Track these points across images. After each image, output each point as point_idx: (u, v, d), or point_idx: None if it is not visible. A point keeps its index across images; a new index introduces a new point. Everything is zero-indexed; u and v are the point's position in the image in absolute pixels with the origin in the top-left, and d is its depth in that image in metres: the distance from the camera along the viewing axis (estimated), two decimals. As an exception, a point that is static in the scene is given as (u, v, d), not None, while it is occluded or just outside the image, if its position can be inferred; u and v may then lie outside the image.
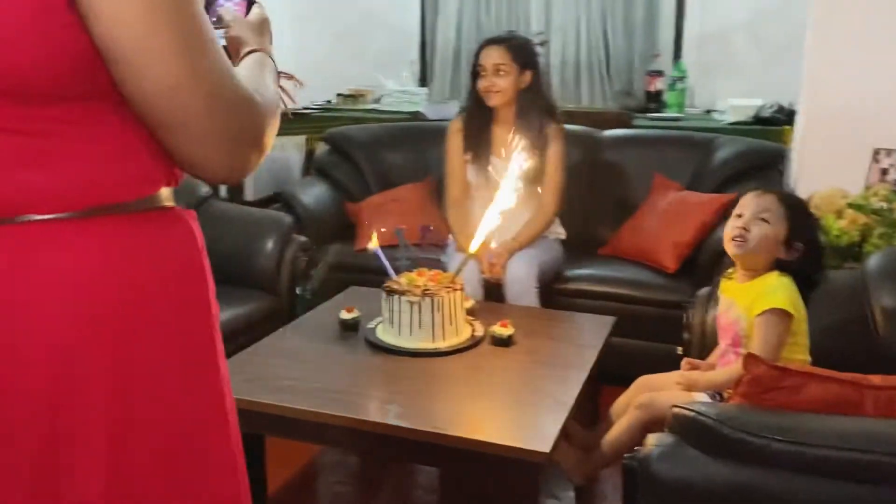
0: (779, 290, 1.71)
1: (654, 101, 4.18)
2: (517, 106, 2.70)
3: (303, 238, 2.66)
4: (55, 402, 0.76)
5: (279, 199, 3.16)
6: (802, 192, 2.76)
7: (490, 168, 2.61)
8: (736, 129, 3.57)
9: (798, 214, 1.77)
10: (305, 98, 4.73)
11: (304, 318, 2.29)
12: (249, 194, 4.88)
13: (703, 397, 1.68)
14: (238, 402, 1.76)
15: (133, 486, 0.80)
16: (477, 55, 2.69)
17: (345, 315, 2.15)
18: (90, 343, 0.76)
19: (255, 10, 1.08)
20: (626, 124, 3.70)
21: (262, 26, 1.06)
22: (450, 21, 4.95)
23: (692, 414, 1.29)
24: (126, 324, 0.78)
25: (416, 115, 4.04)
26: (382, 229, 2.33)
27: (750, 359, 1.38)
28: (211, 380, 0.87)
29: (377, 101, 4.50)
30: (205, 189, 2.69)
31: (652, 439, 1.36)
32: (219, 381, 0.89)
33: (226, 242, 2.56)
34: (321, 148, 3.62)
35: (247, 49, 1.01)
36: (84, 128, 0.75)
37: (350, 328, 2.13)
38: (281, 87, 1.07)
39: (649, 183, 3.04)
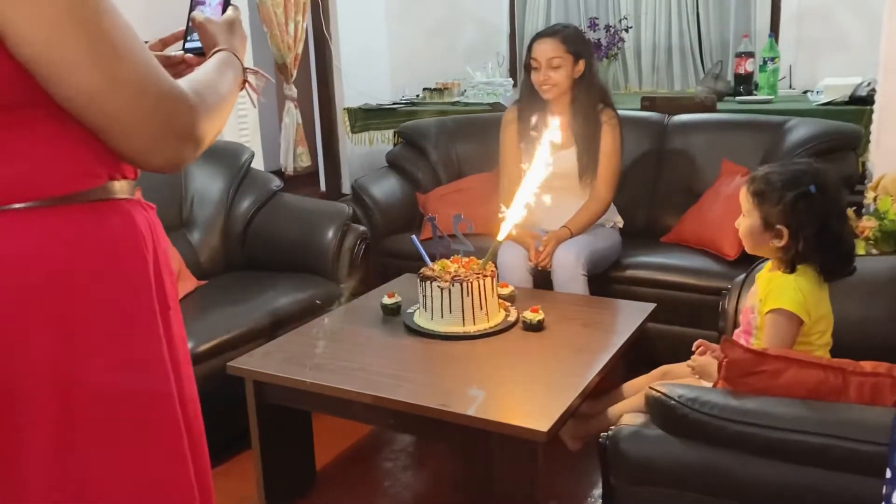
0: (789, 291, 1.63)
1: (744, 83, 4.02)
2: (571, 95, 2.72)
3: (361, 227, 2.81)
4: None
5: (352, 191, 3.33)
6: (880, 174, 2.62)
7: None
8: (827, 110, 3.39)
9: (765, 199, 1.66)
10: (396, 93, 4.92)
11: (352, 304, 2.44)
12: (346, 187, 5.14)
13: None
14: (273, 378, 1.97)
15: (78, 464, 0.91)
16: (529, 49, 2.72)
17: (386, 300, 2.27)
18: (25, 327, 0.86)
19: (228, 11, 1.17)
20: (710, 109, 3.60)
21: (232, 26, 1.15)
22: (538, 11, 4.98)
23: (658, 395, 1.32)
24: (58, 306, 0.88)
25: (495, 106, 4.10)
26: (427, 217, 2.42)
27: (727, 343, 1.38)
28: (153, 357, 0.98)
29: (462, 93, 4.60)
30: (275, 183, 2.90)
31: (626, 419, 1.40)
32: (162, 360, 0.98)
33: (290, 232, 2.77)
34: (398, 141, 3.77)
35: (215, 49, 1.11)
36: (23, 131, 0.87)
37: (391, 313, 2.26)
38: (248, 82, 1.18)
39: (718, 169, 2.97)
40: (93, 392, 0.92)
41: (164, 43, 1.22)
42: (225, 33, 1.14)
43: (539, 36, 2.73)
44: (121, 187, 0.98)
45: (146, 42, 0.97)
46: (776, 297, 1.65)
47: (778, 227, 1.65)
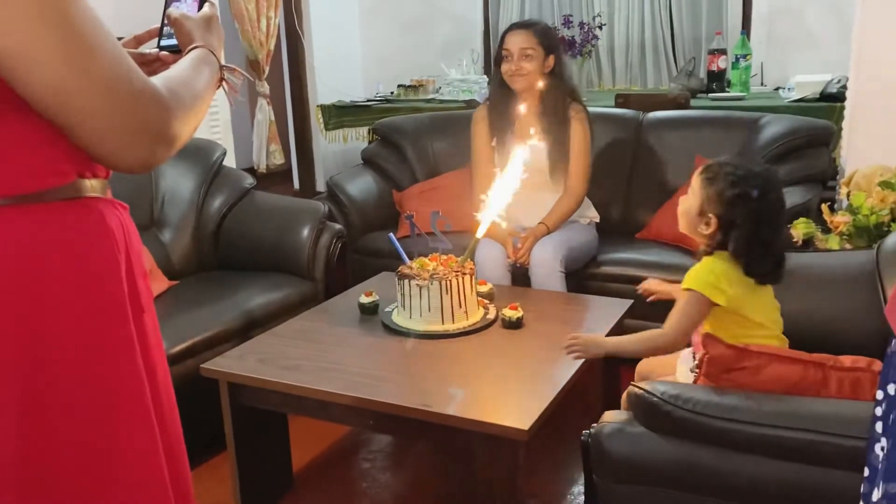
0: (700, 272, 1.65)
1: (717, 80, 4.05)
2: (542, 91, 2.71)
3: (338, 226, 2.78)
4: None
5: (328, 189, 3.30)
6: (851, 170, 2.65)
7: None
8: (798, 106, 3.43)
9: (710, 185, 1.67)
10: (370, 90, 4.88)
11: (328, 303, 2.41)
12: (321, 185, 5.09)
13: (685, 378, 1.67)
14: (248, 380, 1.93)
15: (43, 464, 0.88)
16: (502, 40, 2.72)
17: (364, 299, 2.25)
18: None
19: (205, 7, 1.14)
20: (684, 106, 3.62)
21: (209, 23, 1.12)
22: (513, 8, 4.97)
23: (641, 392, 1.31)
24: (22, 309, 0.85)
25: (470, 103, 4.09)
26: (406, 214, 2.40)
27: (708, 339, 1.38)
28: (125, 362, 0.94)
29: (437, 90, 4.57)
30: (248, 181, 2.85)
31: (608, 416, 1.39)
32: (135, 364, 0.96)
33: (264, 231, 2.73)
34: (373, 138, 3.74)
35: (191, 46, 1.08)
36: None
37: (368, 312, 2.23)
38: (225, 80, 1.14)
39: (691, 165, 2.97)
40: (60, 395, 0.89)
41: (139, 40, 1.18)
42: (201, 30, 1.11)
43: (513, 27, 2.73)
44: (92, 186, 0.95)
45: (119, 39, 0.94)
46: (687, 279, 1.67)
47: (710, 215, 1.67)
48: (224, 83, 1.14)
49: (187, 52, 1.07)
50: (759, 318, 1.64)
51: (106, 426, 0.93)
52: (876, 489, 0.95)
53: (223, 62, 1.12)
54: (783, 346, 1.64)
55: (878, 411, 1.00)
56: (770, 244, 1.64)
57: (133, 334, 0.96)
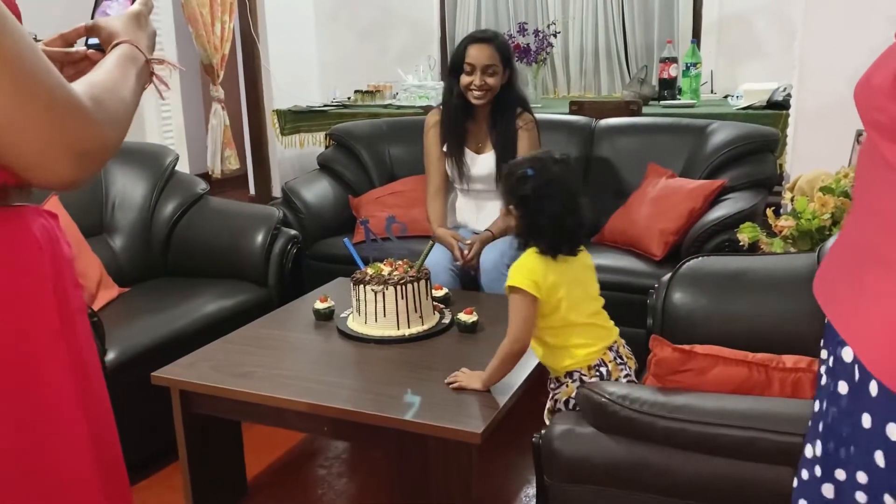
0: (515, 268, 1.72)
1: (669, 87, 4.14)
2: (494, 101, 2.74)
3: (292, 231, 2.76)
4: None
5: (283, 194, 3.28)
6: (796, 175, 2.73)
7: (465, 161, 2.69)
8: (746, 114, 3.52)
9: (505, 183, 1.77)
10: (326, 95, 4.87)
11: (282, 309, 2.39)
12: (277, 190, 5.06)
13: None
14: (200, 388, 1.90)
15: None
16: (464, 52, 2.72)
17: (319, 305, 2.24)
18: None
19: (134, 4, 1.09)
20: (636, 113, 3.68)
21: (137, 17, 1.06)
22: (469, 14, 5.01)
23: (589, 393, 1.33)
24: None
25: (427, 109, 4.10)
26: (360, 220, 2.41)
27: (655, 341, 1.40)
28: (53, 374, 0.92)
29: (394, 96, 4.58)
30: (201, 186, 2.82)
31: (560, 417, 1.41)
32: (62, 377, 0.93)
33: (217, 237, 2.70)
34: (329, 144, 3.73)
35: (115, 41, 1.02)
36: None
37: (324, 317, 2.23)
38: (155, 74, 1.08)
39: (643, 171, 3.04)
40: None
41: (66, 39, 1.12)
42: (127, 25, 1.05)
43: (476, 41, 2.72)
44: (16, 194, 0.91)
45: (39, 40, 0.90)
46: (508, 277, 1.73)
47: (510, 207, 1.76)
48: (154, 77, 1.10)
49: (111, 49, 1.01)
50: (573, 317, 1.69)
51: (29, 434, 0.91)
52: (809, 445, 0.98)
53: (150, 56, 1.06)
54: (599, 332, 1.71)
55: (823, 370, 1.02)
56: (557, 217, 1.71)
57: (61, 342, 0.93)
